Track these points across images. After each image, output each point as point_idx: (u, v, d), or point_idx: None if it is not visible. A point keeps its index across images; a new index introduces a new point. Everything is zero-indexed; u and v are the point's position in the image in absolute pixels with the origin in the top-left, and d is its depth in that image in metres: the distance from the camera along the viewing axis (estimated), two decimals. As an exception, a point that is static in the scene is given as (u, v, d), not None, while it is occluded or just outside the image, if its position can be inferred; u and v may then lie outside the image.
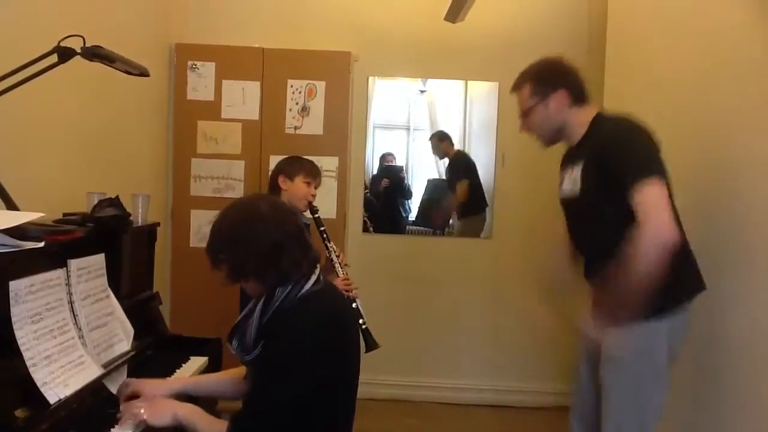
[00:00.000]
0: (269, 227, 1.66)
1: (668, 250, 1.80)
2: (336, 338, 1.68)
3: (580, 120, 2.07)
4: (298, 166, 2.81)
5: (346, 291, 2.77)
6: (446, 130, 4.22)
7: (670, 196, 1.94)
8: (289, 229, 1.69)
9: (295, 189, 2.77)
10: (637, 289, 1.82)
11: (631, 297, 1.83)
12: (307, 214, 2.85)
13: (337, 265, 2.82)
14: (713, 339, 2.19)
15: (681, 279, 1.93)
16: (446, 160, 4.25)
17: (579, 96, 2.08)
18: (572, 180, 2.08)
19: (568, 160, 2.16)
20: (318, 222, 2.83)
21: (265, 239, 1.64)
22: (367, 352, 2.71)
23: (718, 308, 2.14)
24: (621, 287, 1.85)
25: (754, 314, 1.98)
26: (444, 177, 4.27)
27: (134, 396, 1.80)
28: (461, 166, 4.20)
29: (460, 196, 4.22)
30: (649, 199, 1.83)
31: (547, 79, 2.07)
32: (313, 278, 1.71)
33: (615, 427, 2.00)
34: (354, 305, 2.75)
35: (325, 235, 2.83)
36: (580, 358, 2.26)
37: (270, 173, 2.92)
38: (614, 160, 1.91)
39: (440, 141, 4.22)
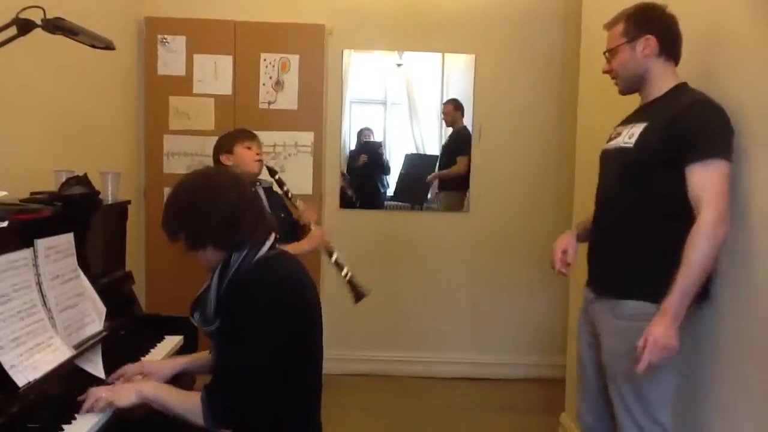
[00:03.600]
0: (226, 193, 1.68)
1: (720, 241, 1.72)
2: (294, 297, 1.68)
3: (663, 77, 1.95)
4: (230, 138, 2.81)
5: (325, 245, 2.81)
6: (423, 104, 4.18)
7: None
8: (245, 193, 1.72)
9: (239, 159, 2.75)
10: (692, 276, 1.73)
11: (686, 285, 1.74)
12: (268, 178, 2.87)
13: (311, 224, 2.84)
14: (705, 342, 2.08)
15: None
16: (449, 130, 4.20)
17: (669, 49, 1.95)
18: (628, 135, 1.97)
19: (632, 118, 2.03)
20: (280, 183, 2.84)
21: (223, 204, 1.66)
22: (356, 302, 2.71)
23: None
24: (679, 278, 1.74)
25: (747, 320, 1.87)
26: (421, 151, 4.25)
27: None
28: (467, 141, 4.15)
29: (461, 168, 4.16)
30: (710, 184, 1.74)
31: (641, 22, 1.95)
32: (268, 244, 1.72)
33: (626, 414, 1.92)
34: (334, 258, 2.79)
35: (290, 195, 2.84)
36: (578, 340, 2.19)
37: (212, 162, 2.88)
38: (684, 130, 1.80)
39: (456, 109, 4.15)
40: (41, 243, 1.76)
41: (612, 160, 2.03)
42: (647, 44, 1.93)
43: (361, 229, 4.15)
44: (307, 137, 3.79)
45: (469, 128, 4.12)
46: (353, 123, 4.18)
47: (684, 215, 1.78)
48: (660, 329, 1.74)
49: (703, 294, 1.85)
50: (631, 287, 1.89)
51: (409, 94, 4.20)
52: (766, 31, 1.78)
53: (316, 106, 3.85)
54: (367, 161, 4.20)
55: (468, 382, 4.10)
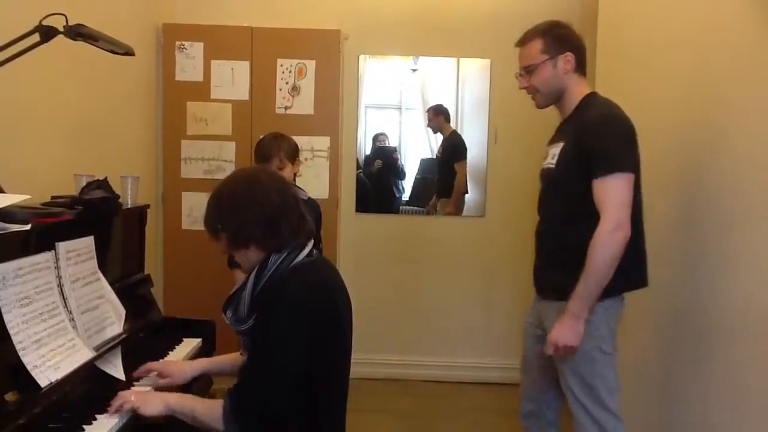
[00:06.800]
0: (270, 194, 1.67)
1: (618, 246, 1.88)
2: (327, 304, 1.67)
3: (578, 90, 2.08)
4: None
5: None
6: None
7: (638, 187, 1.99)
8: (288, 196, 1.71)
9: None
10: (591, 279, 1.91)
11: (587, 288, 1.92)
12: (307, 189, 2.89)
13: None
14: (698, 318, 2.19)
15: (627, 269, 1.96)
16: (439, 136, 4.21)
17: (582, 65, 2.09)
18: (552, 155, 2.12)
19: (555, 138, 2.17)
20: None
21: (267, 205, 1.66)
22: None
23: (702, 289, 2.15)
24: (581, 281, 1.93)
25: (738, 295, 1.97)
26: (435, 155, 4.25)
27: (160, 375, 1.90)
28: (460, 146, 4.17)
29: (462, 176, 4.18)
30: (608, 196, 1.90)
31: (559, 39, 2.07)
32: (306, 250, 1.71)
33: (578, 406, 2.05)
34: None
35: None
36: (526, 334, 2.32)
37: None
38: (588, 148, 1.95)
39: (436, 115, 4.18)
40: (62, 246, 1.78)
41: (544, 179, 2.20)
42: (567, 61, 2.06)
43: (377, 233, 4.16)
44: (323, 142, 3.81)
45: (486, 133, 4.11)
46: (369, 128, 4.20)
47: None
48: (562, 329, 1.96)
49: (612, 290, 1.97)
50: (569, 287, 1.97)
51: (425, 98, 4.21)
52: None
53: (332, 111, 3.86)
54: (381, 166, 4.22)
55: (483, 386, 4.09)
